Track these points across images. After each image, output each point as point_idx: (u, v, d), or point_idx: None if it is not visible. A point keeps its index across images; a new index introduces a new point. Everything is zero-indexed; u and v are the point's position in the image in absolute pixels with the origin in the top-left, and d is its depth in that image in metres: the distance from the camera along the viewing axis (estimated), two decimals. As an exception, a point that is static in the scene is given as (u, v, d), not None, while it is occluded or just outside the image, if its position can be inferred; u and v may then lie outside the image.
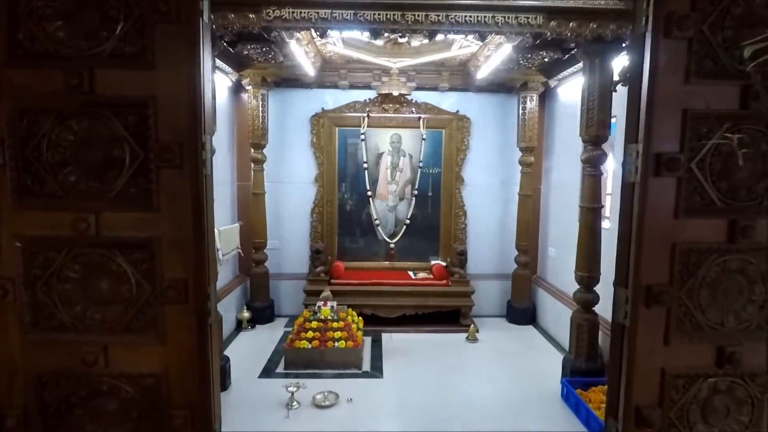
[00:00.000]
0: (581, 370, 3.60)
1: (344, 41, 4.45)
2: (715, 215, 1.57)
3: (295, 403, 3.52)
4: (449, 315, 5.18)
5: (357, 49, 4.60)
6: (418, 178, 5.48)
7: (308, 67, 4.58)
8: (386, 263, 5.58)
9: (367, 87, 5.26)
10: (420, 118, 5.35)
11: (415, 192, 5.51)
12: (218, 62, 4.45)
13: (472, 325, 4.96)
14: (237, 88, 5.28)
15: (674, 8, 1.48)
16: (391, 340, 4.88)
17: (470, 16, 2.99)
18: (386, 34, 3.36)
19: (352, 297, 5.00)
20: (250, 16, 3.12)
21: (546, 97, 5.32)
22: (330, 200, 5.51)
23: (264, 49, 4.18)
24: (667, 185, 1.55)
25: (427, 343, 4.82)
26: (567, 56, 3.88)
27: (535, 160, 5.25)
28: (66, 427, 1.71)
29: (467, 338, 4.88)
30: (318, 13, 3.03)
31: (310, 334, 4.25)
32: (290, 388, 3.53)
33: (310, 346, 4.18)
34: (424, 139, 5.41)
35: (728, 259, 1.58)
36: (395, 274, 5.41)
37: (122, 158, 1.61)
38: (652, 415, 1.61)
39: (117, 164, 1.61)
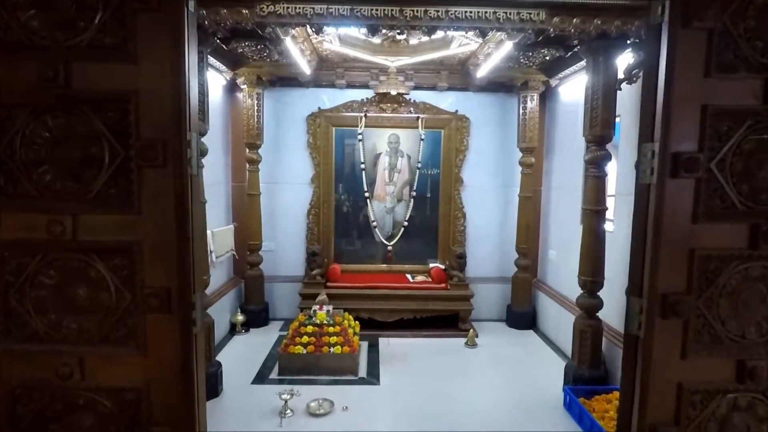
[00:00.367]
0: (584, 378, 3.50)
1: (341, 39, 4.34)
2: (736, 219, 1.47)
3: (288, 410, 3.41)
4: (448, 319, 5.07)
5: (354, 47, 4.49)
6: (416, 179, 5.37)
7: (304, 66, 4.47)
8: (384, 266, 5.47)
9: (365, 86, 5.15)
10: (418, 117, 5.25)
11: (414, 193, 5.40)
12: (212, 60, 4.34)
13: (471, 330, 4.85)
14: (232, 87, 5.17)
15: (694, -4, 1.38)
16: (389, 344, 4.77)
17: (470, 12, 2.88)
18: (384, 31, 3.25)
19: (348, 300, 4.89)
20: (243, 11, 3.00)
21: (547, 96, 5.22)
22: (326, 201, 5.40)
23: (259, 46, 4.07)
24: (684, 187, 1.45)
25: (425, 348, 4.71)
26: (569, 54, 3.78)
27: (536, 160, 5.15)
28: (39, 445, 1.59)
29: (466, 343, 4.77)
30: (313, 8, 2.92)
31: (305, 339, 4.14)
32: (283, 396, 3.41)
33: (305, 352, 4.06)
34: (422, 140, 5.30)
35: (750, 267, 1.49)
36: (393, 277, 5.30)
37: (101, 157, 1.50)
38: (668, 433, 1.51)
39: (96, 163, 1.51)
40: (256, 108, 4.93)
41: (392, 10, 2.89)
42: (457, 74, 5.05)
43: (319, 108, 5.30)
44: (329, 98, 5.31)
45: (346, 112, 5.28)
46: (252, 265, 5.24)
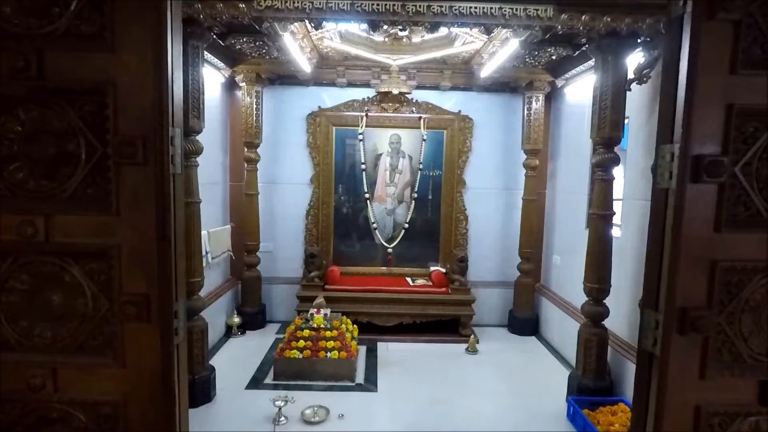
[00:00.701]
0: (589, 388, 3.38)
1: (341, 36, 4.24)
2: (762, 228, 1.35)
3: (282, 418, 3.30)
4: (448, 324, 4.96)
5: (355, 44, 4.39)
6: (417, 181, 5.27)
7: (304, 64, 4.37)
8: (383, 269, 5.37)
9: (366, 85, 5.05)
10: (420, 118, 5.14)
11: (415, 195, 5.29)
12: (210, 57, 4.25)
13: (472, 336, 4.74)
14: (231, 85, 5.07)
15: (720, -15, 1.27)
16: (387, 349, 4.66)
17: (475, 8, 2.78)
18: (385, 27, 3.14)
19: (347, 304, 4.78)
20: (240, 5, 2.91)
21: (552, 97, 5.11)
22: (326, 202, 5.30)
23: (257, 43, 3.98)
24: (706, 193, 1.33)
25: (425, 353, 4.60)
26: (577, 53, 3.67)
27: (540, 163, 5.04)
28: (8, 462, 1.49)
29: (467, 349, 4.66)
30: (312, 2, 2.82)
31: (301, 343, 4.03)
32: (277, 402, 3.30)
33: (301, 356, 3.96)
34: (424, 140, 5.20)
35: (776, 280, 1.37)
36: (392, 280, 5.20)
37: (77, 153, 1.39)
38: (685, 459, 1.40)
39: (71, 160, 1.40)
40: (255, 106, 4.83)
41: (394, 4, 2.80)
42: (461, 74, 4.94)
43: (319, 107, 5.20)
44: (330, 97, 5.21)
45: (346, 111, 5.18)
46: (249, 266, 5.15)
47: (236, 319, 4.99)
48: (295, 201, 5.31)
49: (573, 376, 3.57)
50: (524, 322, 5.20)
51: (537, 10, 2.79)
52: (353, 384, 3.92)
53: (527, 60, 4.13)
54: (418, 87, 5.04)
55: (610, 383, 3.45)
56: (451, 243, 5.30)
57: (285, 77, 4.97)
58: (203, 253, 4.22)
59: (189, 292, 3.46)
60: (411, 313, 4.89)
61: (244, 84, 4.76)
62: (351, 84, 5.09)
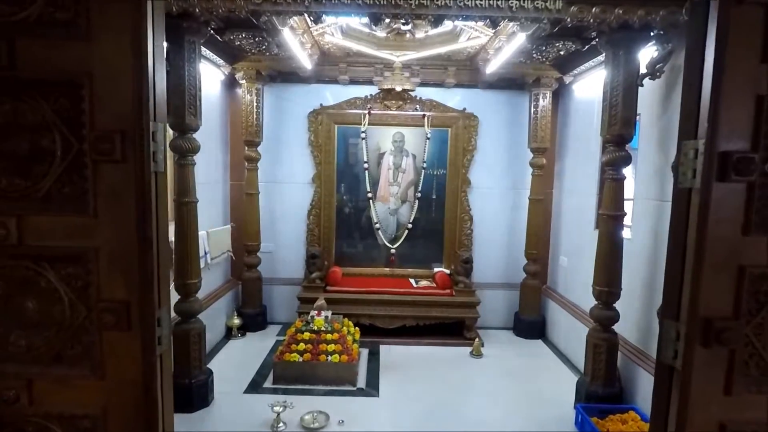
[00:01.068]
0: (597, 396, 3.26)
1: (343, 31, 4.14)
2: (795, 232, 1.24)
3: (281, 424, 3.21)
4: (452, 327, 4.85)
5: (357, 40, 4.28)
6: (421, 180, 5.16)
7: (305, 60, 4.27)
8: (386, 270, 5.26)
9: (369, 82, 4.95)
10: (424, 115, 5.03)
11: (419, 194, 5.18)
12: (209, 54, 4.16)
13: (477, 339, 4.62)
14: (231, 82, 4.99)
15: (751, -37, 1.15)
16: (390, 352, 4.56)
17: (481, 0, 2.66)
18: (387, 20, 3.04)
19: (348, 305, 4.69)
20: (237, -2, 2.81)
21: (560, 94, 4.98)
22: (328, 202, 5.20)
23: (257, 38, 3.87)
24: (734, 192, 1.22)
25: (428, 357, 4.50)
26: (586, 47, 3.54)
27: (548, 162, 4.92)
28: (-20, 480, 1.40)
29: (471, 353, 4.54)
30: (311, -6, 2.72)
31: (301, 346, 3.93)
32: (276, 408, 3.21)
33: (301, 360, 3.86)
34: (428, 139, 5.08)
35: (810, 288, 1.25)
36: (395, 281, 5.09)
37: (52, 150, 1.30)
38: (708, 482, 1.28)
39: (46, 157, 1.30)
40: (255, 104, 4.74)
41: (396, -4, 2.68)
42: (466, 70, 4.83)
43: (321, 105, 5.10)
44: (332, 95, 5.11)
45: (349, 109, 5.08)
46: (250, 267, 5.06)
47: (236, 321, 4.91)
48: (297, 201, 5.22)
49: (581, 382, 3.45)
50: (530, 325, 5.08)
51: (545, 1, 2.67)
52: (354, 388, 3.82)
53: (534, 55, 4.01)
54: (422, 84, 4.93)
55: (620, 390, 3.33)
56: (455, 244, 5.19)
57: (286, 74, 4.87)
58: (202, 253, 4.14)
59: (186, 294, 3.38)
60: (414, 315, 4.78)
61: (244, 81, 4.67)
62: (353, 81, 4.99)
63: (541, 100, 4.69)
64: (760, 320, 1.27)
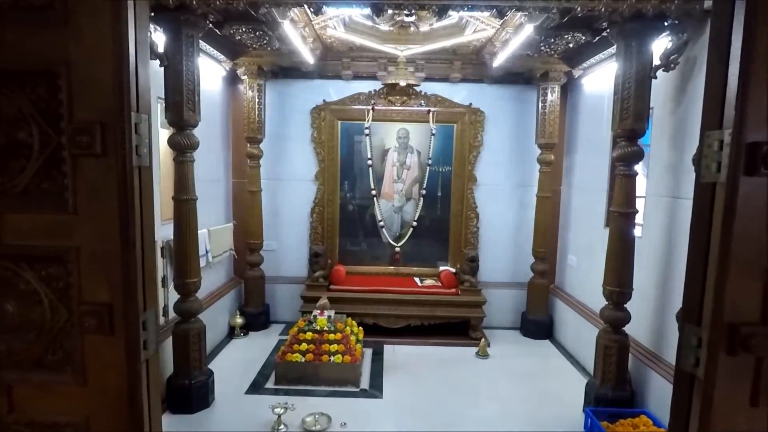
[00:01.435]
0: (607, 399, 3.16)
1: (345, 24, 4.04)
2: (830, 230, 1.14)
3: (282, 426, 3.14)
4: (458, 327, 4.76)
5: (360, 34, 4.19)
6: (426, 177, 5.06)
7: (307, 55, 4.19)
8: (391, 268, 5.18)
9: (372, 77, 4.85)
10: (429, 111, 4.93)
11: (423, 192, 5.09)
12: (210, 49, 4.09)
13: (483, 339, 4.53)
14: (232, 79, 4.91)
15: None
16: (394, 353, 4.48)
17: (488, -12, 2.57)
18: (390, 12, 2.95)
19: (352, 304, 4.61)
20: (235, -11, 2.74)
21: (569, 88, 4.86)
22: (331, 199, 5.12)
23: (257, 32, 3.79)
24: (764, 187, 1.12)
25: (433, 357, 4.41)
26: (597, 39, 3.42)
27: (556, 158, 4.80)
28: (-44, 491, 1.34)
29: (477, 353, 4.45)
30: (311, -16, 2.63)
31: (303, 346, 3.86)
32: (277, 410, 3.14)
33: (303, 360, 3.79)
34: (433, 135, 4.98)
35: None
36: (400, 280, 5.00)
37: (29, 143, 1.22)
38: (733, 501, 1.19)
39: (23, 151, 1.23)
40: (257, 100, 4.67)
41: (398, -15, 2.59)
42: (472, 64, 4.72)
43: (324, 100, 5.02)
44: (335, 90, 5.02)
45: (352, 104, 4.99)
46: (252, 266, 5.00)
47: (239, 320, 4.85)
48: (300, 198, 5.15)
49: (591, 385, 3.35)
50: (537, 325, 4.97)
51: (554, -10, 2.57)
52: (357, 389, 3.74)
53: (542, 48, 3.89)
54: (427, 79, 4.83)
55: (631, 394, 3.22)
56: (461, 242, 5.09)
57: (288, 70, 4.79)
58: (203, 252, 4.08)
59: (185, 293, 3.31)
60: (419, 314, 4.69)
61: (245, 77, 4.60)
62: (357, 76, 4.90)
63: (549, 95, 4.57)
64: (791, 326, 1.17)
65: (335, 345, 3.86)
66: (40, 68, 1.19)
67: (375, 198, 5.10)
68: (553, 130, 4.63)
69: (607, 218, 3.91)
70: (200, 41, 3.49)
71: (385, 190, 5.15)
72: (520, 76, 4.77)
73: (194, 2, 2.81)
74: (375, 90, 4.95)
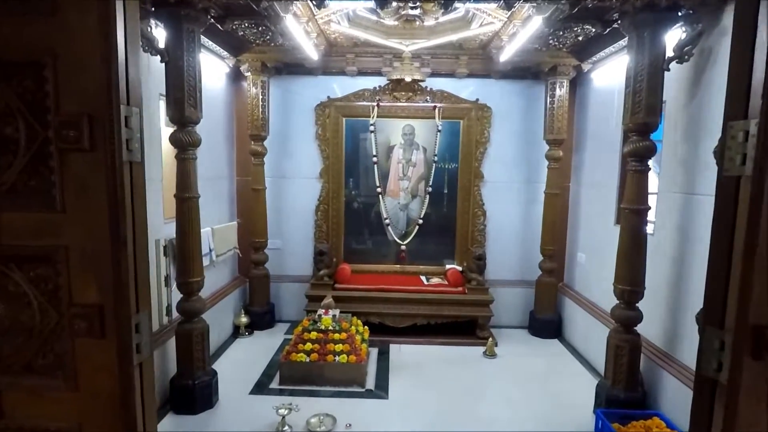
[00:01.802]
0: (619, 400, 3.08)
1: (350, 19, 3.98)
2: None
3: (286, 427, 3.09)
4: (465, 326, 4.68)
5: (365, 29, 4.12)
6: (432, 174, 4.99)
7: (311, 50, 4.13)
8: (396, 267, 5.11)
9: (377, 73, 4.79)
10: (435, 107, 4.85)
11: (429, 189, 5.02)
12: (213, 46, 4.05)
13: (491, 338, 4.45)
14: (236, 75, 4.86)
15: None
16: (400, 352, 4.42)
17: (495, -21, 2.49)
18: (395, 4, 2.87)
19: (357, 303, 4.56)
20: (236, -18, 2.68)
21: (578, 83, 4.76)
22: (336, 197, 5.06)
23: (260, 28, 3.73)
24: (793, 180, 1.04)
25: (440, 357, 4.34)
26: (608, 30, 3.32)
27: (564, 154, 4.71)
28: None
29: (485, 353, 4.38)
30: (313, -23, 2.57)
31: (308, 346, 3.81)
32: (281, 411, 3.10)
33: (308, 360, 3.74)
34: (439, 131, 4.91)
35: None
36: (406, 279, 4.94)
37: (16, 138, 1.18)
38: None
39: (9, 146, 1.18)
40: (261, 97, 4.62)
41: (403, -23, 2.52)
42: (478, 59, 4.64)
43: (328, 97, 4.95)
44: (339, 86, 4.96)
45: (357, 101, 4.93)
46: (257, 264, 4.96)
47: (244, 319, 4.81)
48: (304, 196, 5.09)
49: (601, 386, 3.27)
50: (546, 323, 4.89)
51: (564, -21, 2.48)
52: (363, 390, 3.68)
53: (551, 42, 3.81)
54: (433, 74, 4.75)
55: (643, 395, 3.14)
56: (467, 239, 5.02)
57: (292, 66, 4.74)
58: (207, 250, 4.04)
59: (188, 292, 3.27)
60: (425, 313, 4.63)
61: (249, 74, 4.55)
62: (361, 72, 4.83)
63: (557, 90, 4.48)
64: (821, 329, 1.09)
65: (340, 345, 3.81)
66: (26, 59, 1.14)
67: (380, 195, 5.04)
68: (562, 126, 4.54)
69: (618, 215, 3.82)
70: (203, 37, 3.45)
71: (390, 188, 5.08)
72: (527, 70, 4.68)
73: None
74: (380, 86, 4.88)
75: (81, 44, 1.12)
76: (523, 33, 3.53)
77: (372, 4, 2.87)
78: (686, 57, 2.78)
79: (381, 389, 3.71)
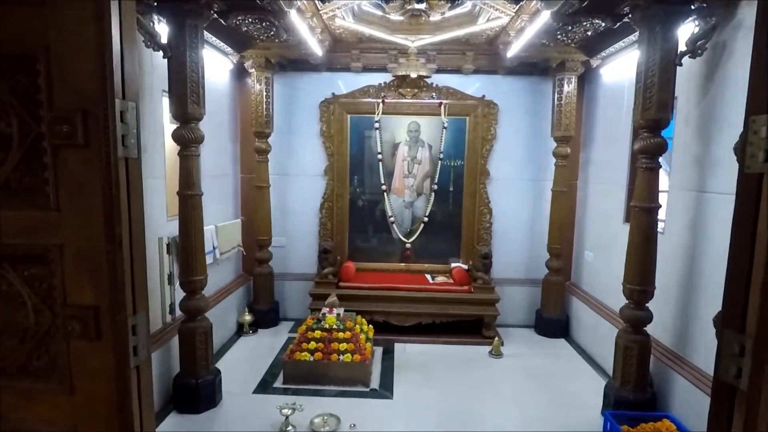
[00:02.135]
0: (628, 402, 3.02)
1: (354, 14, 3.93)
2: None
3: (290, 427, 3.06)
4: (471, 325, 4.64)
5: (370, 24, 4.07)
6: (438, 171, 4.93)
7: (315, 46, 4.08)
8: (401, 265, 5.07)
9: (383, 69, 4.73)
10: (441, 104, 4.80)
11: (435, 186, 4.96)
12: (217, 42, 4.01)
13: (497, 338, 4.40)
14: (240, 72, 4.83)
15: None
16: (405, 351, 4.38)
17: (502, -29, 2.43)
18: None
19: (362, 302, 4.52)
20: (239, -24, 2.64)
21: (586, 79, 4.69)
22: (340, 195, 5.02)
23: (264, 23, 3.69)
24: (819, 178, 0.99)
25: (445, 356, 4.30)
26: (618, 24, 3.25)
27: (572, 151, 4.64)
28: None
29: (491, 352, 4.33)
30: (317, -30, 2.52)
31: (312, 344, 3.78)
32: (284, 410, 3.07)
33: (311, 359, 3.71)
34: (445, 128, 4.85)
35: None
36: (411, 277, 4.90)
37: (9, 133, 1.14)
38: None
39: (2, 142, 1.15)
40: (265, 93, 4.58)
41: (408, -30, 2.46)
42: (485, 55, 4.57)
43: (333, 94, 4.91)
44: (344, 83, 4.91)
45: (362, 98, 4.88)
46: (261, 262, 4.93)
47: (248, 317, 4.79)
48: (309, 193, 5.06)
49: (610, 387, 3.21)
50: (553, 323, 4.83)
51: (573, -29, 2.42)
52: (367, 389, 3.65)
53: (559, 37, 3.73)
54: (439, 70, 4.69)
55: (653, 396, 3.08)
56: (473, 238, 4.97)
57: (296, 62, 4.69)
58: (210, 248, 4.02)
59: (191, 291, 3.25)
60: (430, 312, 4.58)
61: (253, 70, 4.51)
62: (366, 68, 4.78)
63: (565, 86, 4.41)
64: None
65: (344, 344, 3.78)
66: (17, 52, 1.10)
67: (385, 193, 4.99)
68: (570, 123, 4.47)
69: (627, 213, 3.76)
70: (206, 33, 3.41)
71: (395, 185, 5.04)
72: (535, 66, 4.61)
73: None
74: (385, 82, 4.83)
75: (74, 36, 1.09)
76: (531, 28, 3.47)
77: (377, -1, 2.82)
78: (699, 52, 2.71)
79: (386, 389, 3.67)
